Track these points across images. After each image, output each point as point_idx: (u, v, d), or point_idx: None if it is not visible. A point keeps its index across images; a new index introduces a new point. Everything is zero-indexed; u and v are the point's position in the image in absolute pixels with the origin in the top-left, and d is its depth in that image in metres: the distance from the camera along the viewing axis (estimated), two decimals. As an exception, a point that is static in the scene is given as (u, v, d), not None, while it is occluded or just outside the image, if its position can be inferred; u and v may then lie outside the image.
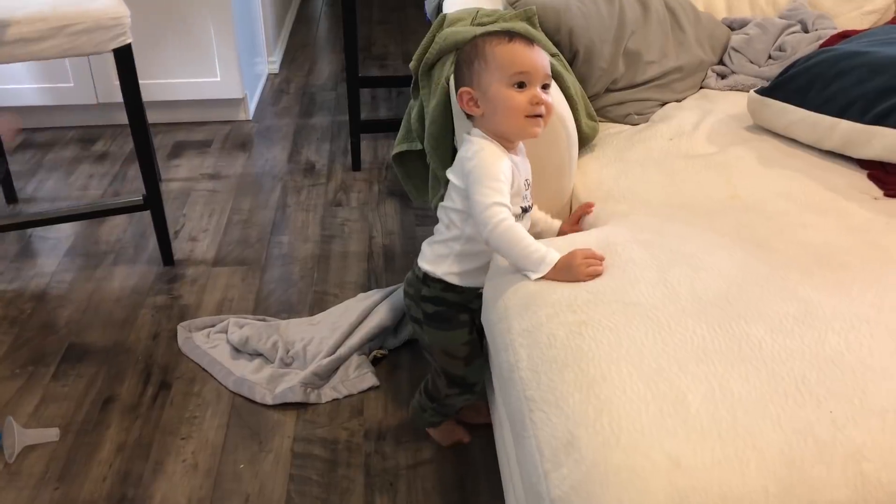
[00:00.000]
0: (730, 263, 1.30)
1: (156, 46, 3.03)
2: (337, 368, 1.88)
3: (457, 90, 1.41)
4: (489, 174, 1.33)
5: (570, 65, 1.93)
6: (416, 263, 1.51)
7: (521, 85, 1.34)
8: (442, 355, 1.54)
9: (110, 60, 2.19)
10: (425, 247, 1.51)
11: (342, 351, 1.89)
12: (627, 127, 1.91)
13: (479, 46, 1.38)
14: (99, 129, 3.18)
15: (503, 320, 1.29)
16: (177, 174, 2.86)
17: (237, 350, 1.97)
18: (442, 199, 1.96)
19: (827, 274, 1.27)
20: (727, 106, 1.95)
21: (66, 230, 2.50)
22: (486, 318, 1.37)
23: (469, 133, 1.42)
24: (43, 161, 2.94)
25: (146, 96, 3.07)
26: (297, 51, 4.10)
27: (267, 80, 3.70)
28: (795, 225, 1.45)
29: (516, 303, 1.28)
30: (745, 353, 1.10)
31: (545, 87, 1.37)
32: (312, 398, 1.83)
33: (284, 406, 1.82)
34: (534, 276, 1.28)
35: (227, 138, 3.12)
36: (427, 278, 1.49)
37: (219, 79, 3.11)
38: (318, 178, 2.84)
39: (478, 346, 1.53)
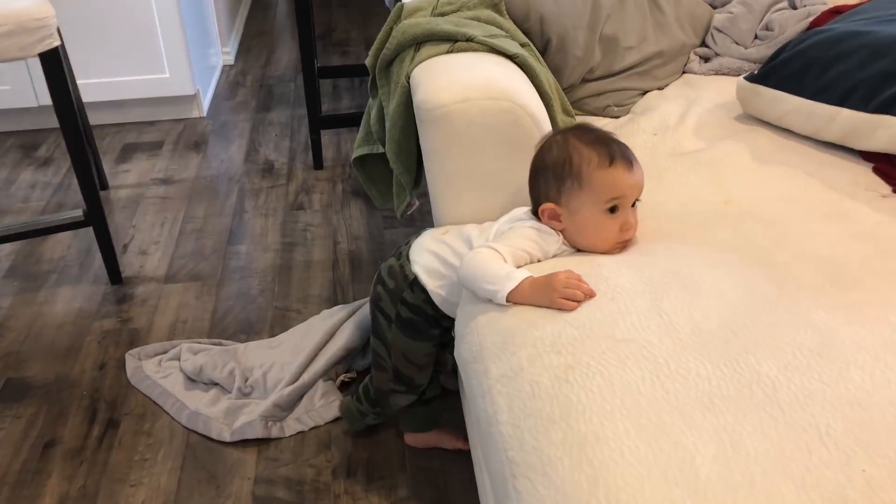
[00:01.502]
0: (730, 284, 1.15)
1: (97, 42, 2.82)
2: (301, 397, 1.72)
3: (535, 199, 1.31)
4: (513, 242, 1.26)
5: (543, 55, 1.76)
6: (407, 258, 1.41)
7: (613, 210, 1.23)
8: (400, 356, 1.48)
9: (39, 64, 2.00)
10: (425, 251, 1.40)
11: (306, 377, 1.73)
12: (607, 121, 1.76)
13: (573, 164, 1.25)
14: (41, 134, 2.98)
15: (478, 361, 1.14)
16: (125, 180, 2.67)
17: (191, 380, 1.80)
18: (409, 207, 1.81)
19: (840, 294, 1.13)
20: (713, 94, 1.79)
21: (5, 248, 2.31)
22: (458, 355, 1.22)
23: (527, 217, 1.32)
24: (-19, 171, 2.74)
25: (90, 97, 2.88)
26: (253, 39, 3.89)
27: (221, 72, 3.50)
28: (799, 234, 1.30)
29: (493, 340, 1.13)
30: (757, 397, 0.95)
31: (634, 203, 1.27)
32: (274, 432, 1.67)
33: (244, 443, 1.66)
34: (500, 295, 1.15)
35: (179, 138, 2.93)
36: (415, 284, 1.38)
37: (168, 75, 2.91)
38: (277, 178, 2.66)
39: (435, 358, 1.51)
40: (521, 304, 1.16)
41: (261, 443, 1.66)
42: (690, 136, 1.63)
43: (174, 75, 2.91)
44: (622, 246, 1.28)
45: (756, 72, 1.64)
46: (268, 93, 3.30)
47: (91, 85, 2.86)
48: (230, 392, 1.76)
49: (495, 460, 1.01)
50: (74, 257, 2.27)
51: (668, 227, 1.34)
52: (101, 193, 2.58)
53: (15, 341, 1.96)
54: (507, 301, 1.16)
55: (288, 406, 1.70)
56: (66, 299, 2.10)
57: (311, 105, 2.57)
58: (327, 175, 2.66)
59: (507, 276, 1.16)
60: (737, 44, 1.95)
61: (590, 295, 1.13)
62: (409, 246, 1.44)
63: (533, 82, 1.57)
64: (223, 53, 3.54)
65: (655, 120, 1.70)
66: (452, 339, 1.33)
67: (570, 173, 1.25)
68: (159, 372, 1.83)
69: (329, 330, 1.83)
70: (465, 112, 1.42)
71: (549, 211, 1.27)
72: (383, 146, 1.75)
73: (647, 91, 1.86)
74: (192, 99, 3.03)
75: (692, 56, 1.95)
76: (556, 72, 1.77)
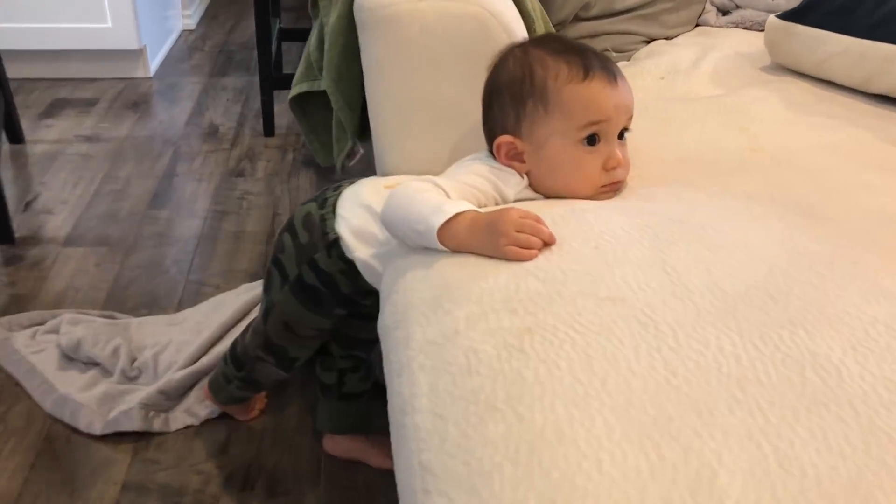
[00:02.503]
0: (763, 238, 0.81)
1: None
2: (194, 385, 1.36)
3: (489, 134, 0.96)
4: (459, 176, 0.93)
5: (528, -20, 1.43)
6: (333, 211, 1.07)
7: (592, 139, 0.89)
8: (279, 323, 1.14)
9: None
10: (359, 206, 1.05)
11: (205, 361, 1.38)
12: (602, 63, 1.42)
13: (535, 79, 0.90)
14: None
15: (401, 325, 0.79)
16: (45, 135, 2.32)
17: (69, 358, 1.44)
18: (350, 155, 1.47)
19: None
20: (735, 43, 1.47)
21: None
22: (381, 324, 0.86)
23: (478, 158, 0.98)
24: None
25: (21, 44, 2.55)
26: (220, 7, 3.56)
27: (180, 35, 3.16)
28: (852, 186, 0.97)
29: (422, 297, 0.78)
30: (812, 389, 0.61)
31: (622, 133, 0.93)
32: (157, 425, 1.31)
33: (118, 437, 1.30)
34: (430, 234, 0.82)
35: (118, 97, 2.59)
36: (333, 246, 1.05)
37: (109, 25, 2.57)
38: (220, 143, 2.32)
39: (323, 340, 1.20)
40: (460, 249, 0.81)
41: (139, 438, 1.30)
42: (706, 83, 1.30)
43: (117, 26, 2.57)
44: (609, 190, 0.94)
45: (792, 9, 1.31)
46: (227, 58, 2.96)
47: (23, 30, 2.52)
48: (112, 375, 1.40)
49: (405, 467, 0.66)
50: (-37, 212, 1.91)
51: (677, 173, 1.00)
52: (15, 147, 2.23)
53: None
54: (441, 244, 0.82)
55: (176, 394, 1.34)
56: (-59, 257, 1.75)
57: (263, 62, 2.23)
58: (278, 143, 2.31)
59: (438, 209, 0.82)
60: (762, -6, 1.62)
61: (550, 242, 0.79)
62: (339, 194, 1.09)
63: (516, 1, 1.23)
64: (183, 17, 3.20)
65: (663, 63, 1.36)
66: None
67: (532, 92, 0.91)
68: (31, 346, 1.47)
69: (242, 308, 1.48)
70: (418, 14, 1.08)
71: (507, 146, 0.94)
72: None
73: (653, 39, 1.53)
74: (137, 55, 2.69)
75: (708, 6, 1.62)
76: (544, 2, 1.43)
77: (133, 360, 1.42)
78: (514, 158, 0.95)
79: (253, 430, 1.33)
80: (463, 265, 0.79)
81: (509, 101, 0.94)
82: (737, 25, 1.58)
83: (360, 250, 1.03)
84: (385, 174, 1.19)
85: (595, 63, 0.92)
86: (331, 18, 1.26)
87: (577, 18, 1.49)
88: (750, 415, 0.58)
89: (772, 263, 0.76)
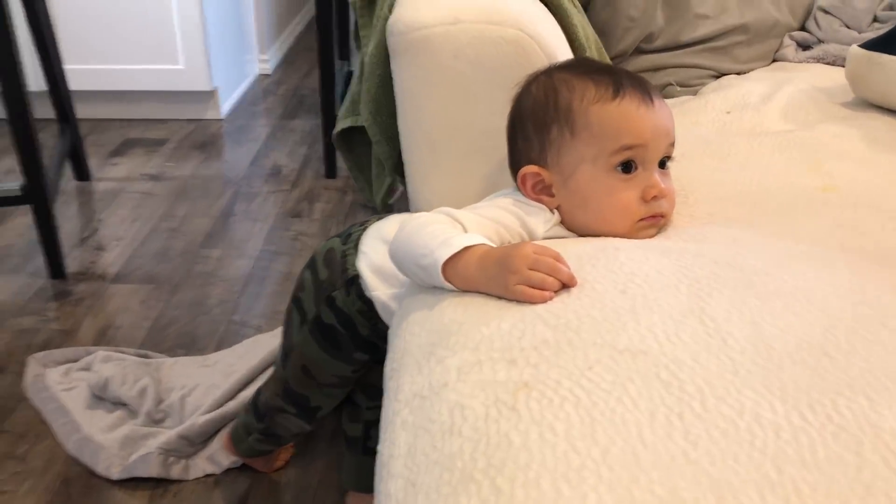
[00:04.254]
0: (827, 287, 0.68)
1: (103, 25, 2.54)
2: (218, 430, 1.28)
3: (515, 168, 0.87)
4: (481, 210, 0.84)
5: (585, 8, 1.34)
6: (355, 248, 0.99)
7: (627, 166, 0.79)
8: (298, 368, 1.05)
9: None
10: (381, 242, 0.97)
11: (231, 406, 1.30)
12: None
13: (559, 101, 0.81)
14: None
15: (395, 375, 0.69)
16: (112, 174, 2.33)
17: (98, 397, 1.39)
18: (390, 192, 1.39)
19: None
20: (814, 77, 1.33)
21: (-51, 230, 1.99)
22: (385, 369, 0.77)
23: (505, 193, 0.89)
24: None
25: (95, 84, 2.59)
26: (298, 54, 3.59)
27: (256, 79, 3.18)
28: (942, 232, 0.83)
29: (420, 343, 0.69)
30: (870, 472, 0.48)
31: (664, 161, 0.83)
32: (175, 473, 1.24)
33: (135, 482, 1.23)
34: (435, 269, 0.72)
35: (186, 137, 2.60)
36: (352, 284, 0.96)
37: (182, 66, 2.59)
38: (280, 184, 2.28)
39: (348, 389, 1.10)
40: (468, 288, 0.72)
41: (158, 485, 1.23)
42: (777, 117, 1.18)
43: (189, 68, 2.59)
44: (650, 225, 0.83)
45: (877, 37, 1.18)
46: (298, 102, 2.95)
47: (92, 71, 2.57)
48: (138, 416, 1.34)
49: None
50: (22, 246, 1.91)
51: (734, 212, 0.88)
52: (79, 184, 2.25)
53: (-88, 332, 1.60)
54: (447, 281, 0.72)
55: (199, 440, 1.27)
56: (-8, 290, 1.74)
57: (326, 104, 2.19)
58: (339, 185, 2.26)
59: (445, 242, 0.72)
60: (848, 27, 1.49)
61: (570, 283, 0.68)
62: (365, 230, 1.01)
63: (562, 24, 1.14)
64: (260, 62, 3.22)
65: (730, 98, 1.24)
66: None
67: (557, 116, 0.82)
68: (63, 383, 1.43)
69: (276, 351, 1.40)
70: (451, 38, 1.00)
71: (532, 178, 0.84)
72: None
73: (723, 74, 1.41)
74: (208, 97, 2.70)
75: (786, 40, 1.50)
76: (601, 33, 1.34)
77: (160, 402, 1.36)
78: (542, 192, 0.85)
79: (276, 483, 1.24)
80: (466, 307, 0.69)
81: (533, 129, 0.85)
82: (818, 61, 1.44)
83: (379, 289, 0.94)
84: (418, 211, 1.10)
85: (626, 81, 0.82)
86: (369, 48, 1.20)
87: (639, 51, 1.38)
88: (786, 502, 0.46)
89: (834, 317, 0.63)
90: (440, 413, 0.57)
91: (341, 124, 1.47)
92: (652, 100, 0.82)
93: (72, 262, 1.86)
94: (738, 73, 1.42)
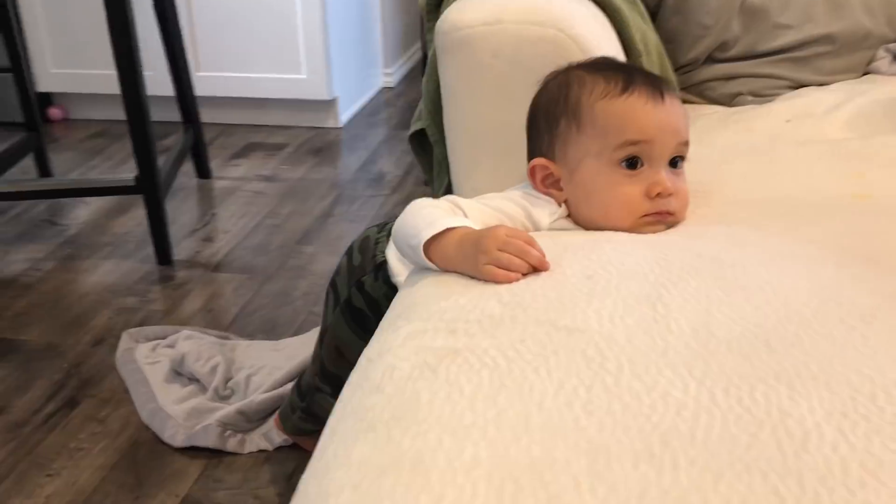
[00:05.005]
0: (803, 284, 0.66)
1: (240, 37, 2.71)
2: (275, 410, 1.35)
3: (529, 159, 0.90)
4: (486, 200, 0.87)
5: (654, 17, 1.34)
6: (388, 235, 1.05)
7: (632, 162, 0.80)
8: (332, 348, 1.09)
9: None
10: None
11: (288, 388, 1.37)
12: (716, 107, 1.29)
13: (569, 96, 0.84)
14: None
15: (370, 346, 0.72)
16: (231, 173, 2.49)
17: (176, 372, 1.50)
18: (448, 191, 1.43)
19: None
20: (896, 89, 1.27)
21: (79, 216, 2.18)
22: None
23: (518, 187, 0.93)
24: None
25: (225, 91, 2.77)
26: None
27: (379, 92, 3.30)
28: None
29: (392, 314, 0.72)
30: (757, 453, 0.48)
31: (675, 161, 0.83)
32: (231, 446, 1.31)
33: (194, 451, 1.32)
34: (419, 249, 0.76)
35: (304, 143, 2.73)
36: (380, 270, 1.02)
37: (304, 76, 2.74)
38: (381, 188, 2.36)
39: None
40: (446, 267, 0.74)
41: (213, 455, 1.31)
42: (838, 127, 1.13)
43: (311, 77, 2.73)
44: (655, 221, 0.82)
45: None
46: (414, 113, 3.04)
47: (222, 78, 2.75)
48: (208, 391, 1.43)
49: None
50: (138, 234, 2.07)
51: (749, 214, 0.86)
52: (200, 182, 2.42)
53: (32, 304, 1.77)
54: (429, 261, 0.75)
55: (256, 417, 1.34)
56: (105, 272, 1.90)
57: (432, 111, 2.26)
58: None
59: (431, 223, 0.75)
60: (950, 40, 1.40)
61: (540, 267, 0.70)
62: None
63: (617, 28, 1.15)
64: (385, 75, 3.34)
65: (797, 107, 1.21)
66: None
67: (566, 110, 0.83)
68: (150, 357, 1.54)
69: (339, 337, 1.46)
70: (491, 38, 1.03)
71: (541, 170, 0.86)
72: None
73: (803, 85, 1.36)
74: (328, 106, 2.83)
75: (881, 52, 1.43)
76: (670, 41, 1.33)
77: (228, 380, 1.44)
78: (552, 186, 0.87)
79: (322, 463, 1.30)
80: (439, 283, 0.71)
81: (544, 123, 0.86)
82: (914, 74, 1.37)
83: (402, 275, 0.98)
84: (461, 208, 1.13)
85: (639, 78, 0.82)
86: (430, 50, 1.25)
87: (712, 59, 1.36)
88: (657, 472, 0.46)
89: (793, 311, 0.62)
90: (375, 374, 0.60)
91: (414, 126, 1.53)
92: (662, 97, 0.82)
93: (181, 251, 2.00)
94: (821, 86, 1.36)
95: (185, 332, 1.59)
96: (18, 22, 2.81)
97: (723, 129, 1.16)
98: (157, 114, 2.82)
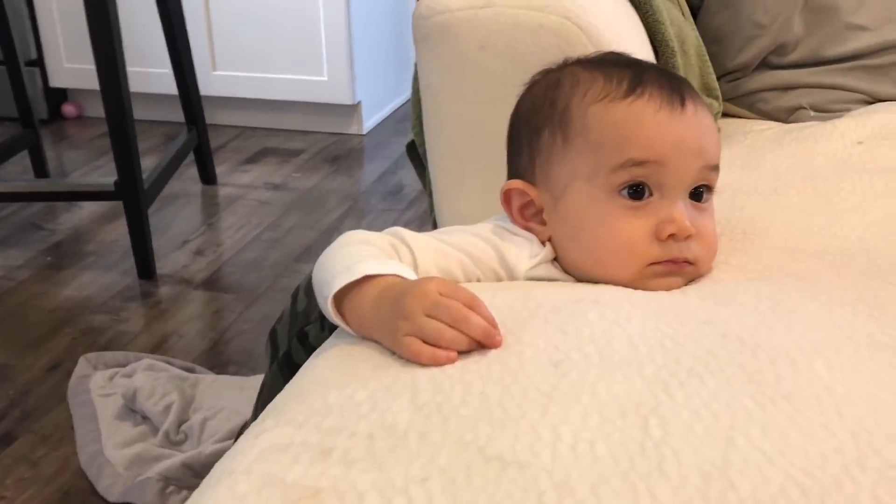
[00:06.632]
0: (891, 393, 0.43)
1: (259, 34, 2.54)
2: (226, 465, 1.15)
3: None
4: (447, 235, 0.65)
5: (696, 12, 1.11)
6: None
7: (637, 190, 0.59)
8: (269, 401, 0.84)
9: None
10: None
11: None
12: (774, 123, 1.05)
13: (560, 95, 0.63)
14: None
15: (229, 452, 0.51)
16: (238, 180, 2.30)
17: (130, 408, 1.31)
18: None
19: None
20: None
21: (65, 222, 2.01)
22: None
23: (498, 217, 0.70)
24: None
25: (240, 92, 2.60)
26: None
27: (407, 100, 3.10)
28: None
29: (268, 410, 0.50)
30: None
31: (699, 192, 0.61)
32: (171, 505, 1.11)
33: (130, 509, 1.12)
34: (328, 301, 0.55)
35: (322, 150, 2.54)
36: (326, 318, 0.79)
37: (326, 78, 2.55)
38: (398, 202, 2.16)
39: None
40: (362, 333, 0.53)
41: (150, 515, 1.11)
42: (926, 152, 0.88)
43: (333, 80, 2.54)
44: (667, 272, 0.59)
45: None
46: (446, 121, 2.83)
47: (237, 78, 2.58)
48: (158, 434, 1.23)
49: None
50: (126, 243, 1.89)
51: (800, 266, 0.63)
52: (204, 188, 2.24)
53: (-5, 317, 1.60)
54: (344, 322, 0.54)
55: (205, 471, 1.13)
56: (81, 285, 1.72)
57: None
58: (458, 208, 2.10)
59: (347, 269, 0.54)
60: None
61: (486, 342, 0.48)
62: None
63: (645, 22, 0.92)
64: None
65: (870, 125, 0.96)
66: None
67: (551, 116, 0.61)
68: (105, 388, 1.35)
69: (312, 379, 1.26)
70: (478, 25, 0.82)
71: (518, 196, 0.64)
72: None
73: (880, 100, 1.12)
74: (351, 111, 2.64)
75: (977, 62, 1.17)
76: (716, 41, 1.10)
77: (182, 422, 1.24)
78: (532, 218, 0.64)
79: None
80: (343, 361, 0.50)
81: (524, 135, 0.64)
82: None
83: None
84: (444, 225, 0.92)
85: (651, 77, 0.60)
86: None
87: (767, 65, 1.12)
88: None
89: (873, 449, 0.38)
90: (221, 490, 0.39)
91: (412, 136, 1.32)
92: (683, 103, 0.59)
93: (168, 264, 1.82)
94: (901, 100, 1.12)
95: (147, 360, 1.39)
96: (32, 14, 2.68)
97: (776, 151, 0.92)
98: (169, 114, 2.68)
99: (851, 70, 1.11)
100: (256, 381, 1.34)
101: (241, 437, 0.47)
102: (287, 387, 0.51)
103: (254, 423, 0.48)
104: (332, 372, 0.48)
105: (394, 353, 0.49)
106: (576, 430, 0.40)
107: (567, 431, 0.40)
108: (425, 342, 0.47)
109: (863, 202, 0.75)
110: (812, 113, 1.08)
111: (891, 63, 1.12)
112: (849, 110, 1.09)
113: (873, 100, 1.12)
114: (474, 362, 0.46)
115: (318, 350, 0.56)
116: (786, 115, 1.10)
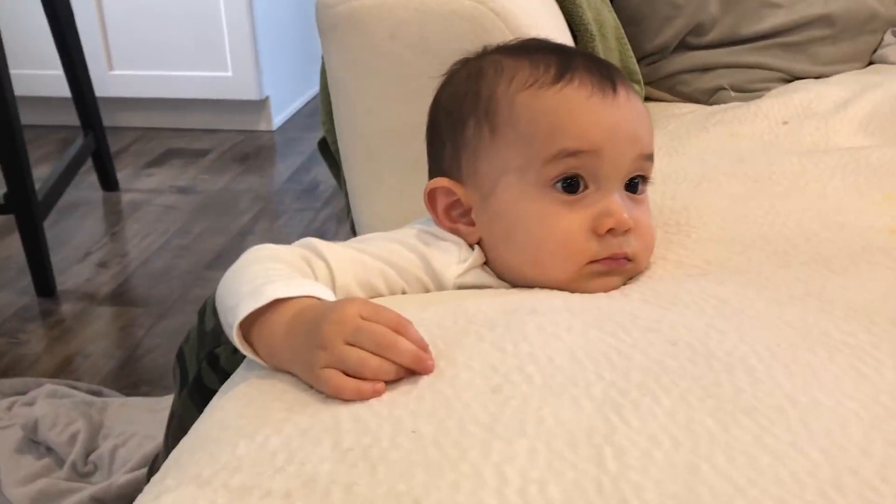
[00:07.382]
0: (854, 401, 0.39)
1: (158, 30, 2.42)
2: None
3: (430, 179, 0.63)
4: (367, 244, 0.59)
5: (612, -7, 1.07)
6: None
7: (571, 183, 0.54)
8: (176, 440, 0.77)
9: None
10: None
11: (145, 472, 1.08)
12: (696, 106, 1.03)
13: (483, 84, 0.58)
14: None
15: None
16: (142, 185, 2.19)
17: (32, 440, 1.21)
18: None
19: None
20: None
21: (-45, 240, 1.88)
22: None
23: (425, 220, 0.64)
24: None
25: (141, 91, 2.48)
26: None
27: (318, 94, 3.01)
28: None
29: (175, 455, 0.44)
30: None
31: (634, 183, 0.56)
32: (79, 547, 1.03)
33: (35, 552, 1.03)
34: (232, 328, 0.48)
35: (231, 149, 2.44)
36: None
37: (230, 74, 2.44)
38: (314, 200, 2.08)
39: None
40: (274, 364, 0.47)
41: (58, 557, 1.03)
42: (851, 131, 0.87)
43: (238, 75, 2.44)
44: (606, 271, 0.55)
45: None
46: (358, 115, 2.76)
47: (136, 77, 2.45)
48: (64, 466, 1.14)
49: None
50: (19, 261, 1.76)
51: (741, 259, 0.59)
52: (106, 195, 2.11)
53: None
54: (253, 352, 0.48)
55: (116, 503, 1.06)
56: (-26, 307, 1.60)
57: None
58: (375, 204, 2.04)
59: (253, 292, 0.48)
60: (972, 21, 1.15)
61: (417, 367, 0.42)
62: None
63: (563, 6, 0.88)
64: (328, 72, 3.06)
65: (793, 104, 0.94)
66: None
67: (476, 106, 0.56)
68: (3, 420, 1.25)
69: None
70: (388, 14, 0.76)
71: (443, 195, 0.59)
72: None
73: (798, 77, 1.10)
74: (259, 107, 2.54)
75: (888, 37, 1.17)
76: (634, 22, 1.07)
77: (90, 452, 1.15)
78: (459, 219, 0.59)
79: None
80: (252, 401, 0.44)
81: (447, 128, 0.59)
82: (929, 63, 1.12)
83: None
84: (363, 231, 0.87)
85: (580, 63, 0.55)
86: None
87: (685, 46, 1.10)
88: None
89: (844, 465, 0.35)
90: None
91: (323, 131, 1.25)
92: (615, 89, 0.55)
93: (69, 279, 1.70)
94: (819, 78, 1.11)
95: (49, 386, 1.29)
96: None
97: (701, 135, 0.90)
98: (64, 118, 2.53)
99: (769, 48, 1.10)
100: (170, 401, 1.26)
101: (140, 496, 0.40)
102: (191, 431, 0.45)
103: (153, 479, 0.41)
104: (240, 415, 0.42)
105: (312, 387, 0.44)
106: (523, 469, 0.35)
107: (513, 472, 0.35)
108: (347, 374, 0.42)
109: (795, 185, 0.72)
110: (732, 93, 1.06)
111: (807, 40, 1.11)
112: (768, 89, 1.07)
113: (791, 77, 1.10)
114: (404, 394, 0.41)
115: (224, 385, 0.49)
116: (706, 97, 1.07)
